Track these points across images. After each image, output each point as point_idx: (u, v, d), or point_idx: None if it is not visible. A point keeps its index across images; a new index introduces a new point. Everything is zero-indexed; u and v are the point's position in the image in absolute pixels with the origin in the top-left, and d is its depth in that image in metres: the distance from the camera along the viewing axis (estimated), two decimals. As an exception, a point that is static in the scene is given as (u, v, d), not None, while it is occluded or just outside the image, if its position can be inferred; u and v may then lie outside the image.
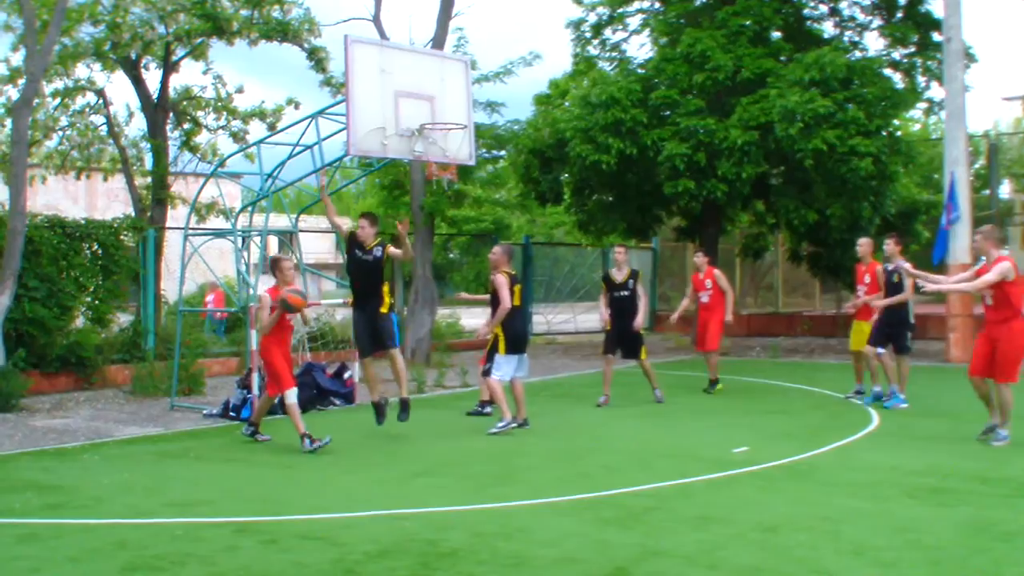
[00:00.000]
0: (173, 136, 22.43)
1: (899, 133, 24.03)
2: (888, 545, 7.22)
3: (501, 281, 12.88)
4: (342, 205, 66.22)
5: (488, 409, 13.89)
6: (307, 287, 17.52)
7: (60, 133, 21.63)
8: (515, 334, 12.95)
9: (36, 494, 9.28)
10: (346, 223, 13.78)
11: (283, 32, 20.37)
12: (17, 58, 20.17)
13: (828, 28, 26.58)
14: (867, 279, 15.02)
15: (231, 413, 14.17)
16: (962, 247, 20.71)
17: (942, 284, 12.07)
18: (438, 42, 21.49)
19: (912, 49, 25.31)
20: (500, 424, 12.78)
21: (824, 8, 26.64)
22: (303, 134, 14.92)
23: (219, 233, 16.69)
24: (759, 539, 7.42)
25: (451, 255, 44.03)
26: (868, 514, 8.13)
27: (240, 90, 22.63)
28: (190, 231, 16.22)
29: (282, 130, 17.68)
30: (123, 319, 19.78)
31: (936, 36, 24.22)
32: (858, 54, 24.81)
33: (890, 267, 14.09)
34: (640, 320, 15.11)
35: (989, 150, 29.94)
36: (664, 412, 14.43)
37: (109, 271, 18.38)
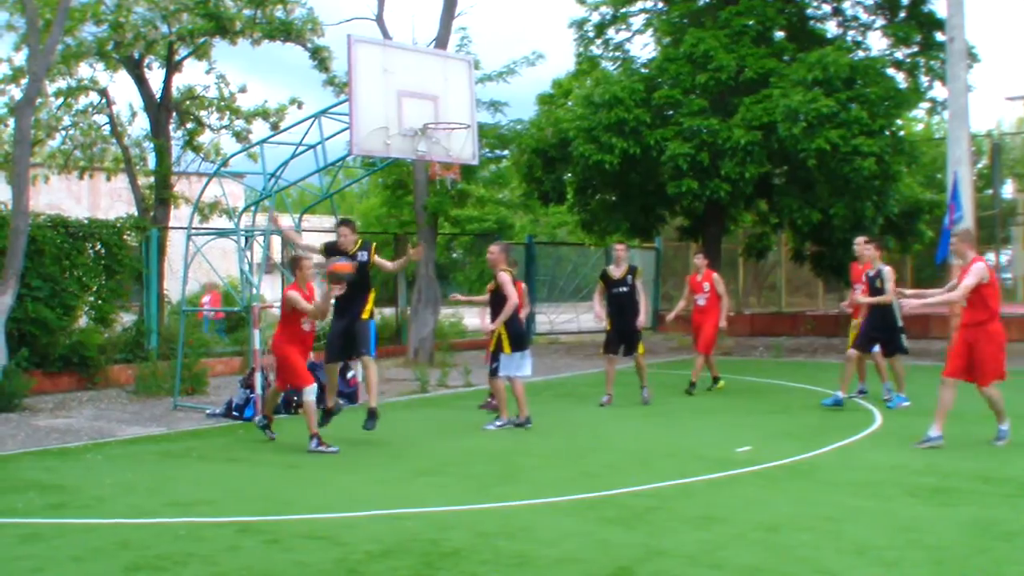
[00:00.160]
0: (176, 136, 22.45)
1: (902, 133, 24.03)
2: (890, 544, 7.22)
3: (505, 278, 12.89)
4: (346, 205, 66.26)
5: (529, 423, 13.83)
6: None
7: (63, 132, 21.65)
8: (517, 331, 13.00)
9: (39, 494, 9.28)
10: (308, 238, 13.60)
11: (286, 32, 20.37)
12: (20, 57, 20.22)
13: (831, 28, 26.61)
14: (865, 278, 15.03)
15: (234, 413, 14.18)
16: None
17: (927, 299, 11.91)
18: (441, 42, 21.50)
19: (915, 49, 25.30)
20: (498, 422, 12.83)
21: (827, 8, 26.66)
22: (306, 134, 14.91)
23: (222, 233, 16.70)
24: (761, 539, 7.42)
25: (454, 255, 44.02)
26: (870, 513, 8.12)
27: (243, 90, 22.64)
28: (193, 231, 16.22)
29: (285, 130, 17.68)
30: (126, 319, 19.79)
31: (939, 36, 24.20)
32: (861, 54, 24.80)
33: (872, 272, 14.13)
34: (643, 318, 15.09)
35: (992, 150, 29.93)
36: (666, 412, 14.43)
37: (112, 271, 18.39)
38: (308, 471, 10.39)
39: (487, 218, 33.38)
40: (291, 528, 7.91)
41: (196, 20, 19.82)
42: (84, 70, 20.97)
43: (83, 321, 18.25)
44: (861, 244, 15.35)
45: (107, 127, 21.73)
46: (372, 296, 12.25)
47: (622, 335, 14.85)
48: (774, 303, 33.26)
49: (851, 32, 26.29)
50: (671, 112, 22.90)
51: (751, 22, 23.26)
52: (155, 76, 21.91)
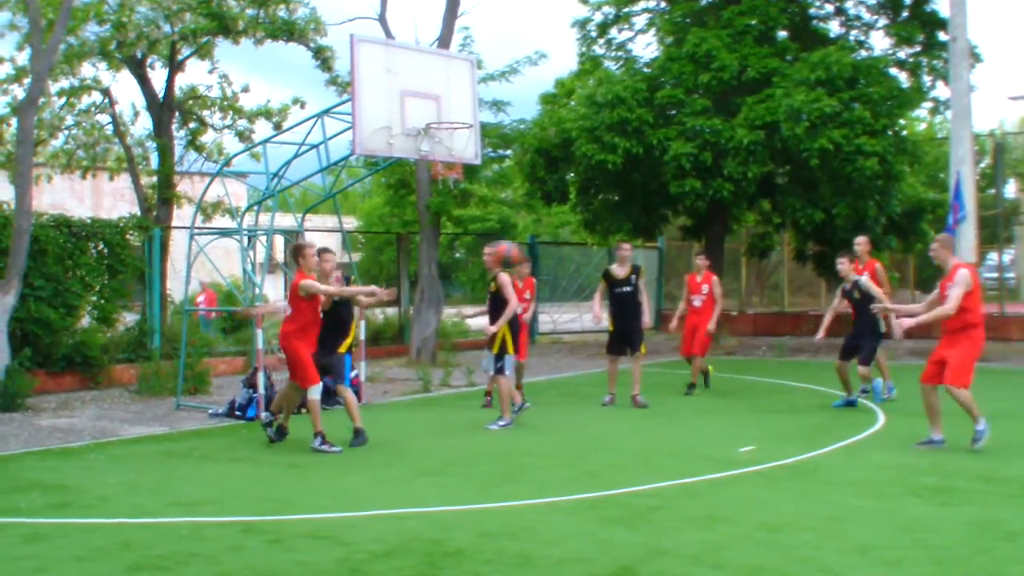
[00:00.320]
0: (179, 135, 22.47)
1: (905, 132, 24.01)
2: (892, 544, 7.22)
3: (506, 280, 12.93)
4: (348, 205, 66.29)
5: (527, 404, 13.84)
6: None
7: (66, 132, 21.68)
8: (518, 332, 13.07)
9: (41, 494, 9.29)
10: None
11: (289, 31, 20.38)
12: (23, 57, 20.23)
13: (834, 27, 26.61)
14: (866, 277, 15.03)
15: (237, 412, 14.18)
16: (967, 247, 20.69)
17: (918, 316, 11.50)
18: (444, 41, 21.50)
19: (918, 48, 25.30)
20: (501, 422, 12.84)
21: (830, 7, 26.66)
22: (309, 133, 14.93)
23: (225, 232, 16.71)
24: (764, 538, 7.42)
25: (456, 254, 44.08)
26: (872, 513, 8.12)
27: (246, 89, 22.66)
28: (196, 230, 16.24)
29: (288, 129, 17.71)
30: (129, 318, 19.80)
31: (942, 35, 24.20)
32: (864, 53, 24.81)
33: (847, 286, 14.11)
34: (648, 319, 15.06)
35: (995, 149, 29.88)
36: (669, 411, 14.43)
37: (115, 270, 18.40)
38: (311, 471, 10.39)
39: (490, 218, 33.44)
40: (294, 528, 7.91)
41: (199, 20, 19.83)
42: (87, 70, 21.02)
43: (86, 321, 18.26)
44: (860, 244, 15.40)
45: (110, 127, 21.76)
46: (353, 326, 12.65)
47: (625, 335, 14.79)
48: (777, 303, 33.23)
49: (854, 32, 26.29)
50: (674, 112, 22.90)
51: (754, 22, 23.26)
52: (158, 76, 21.96)
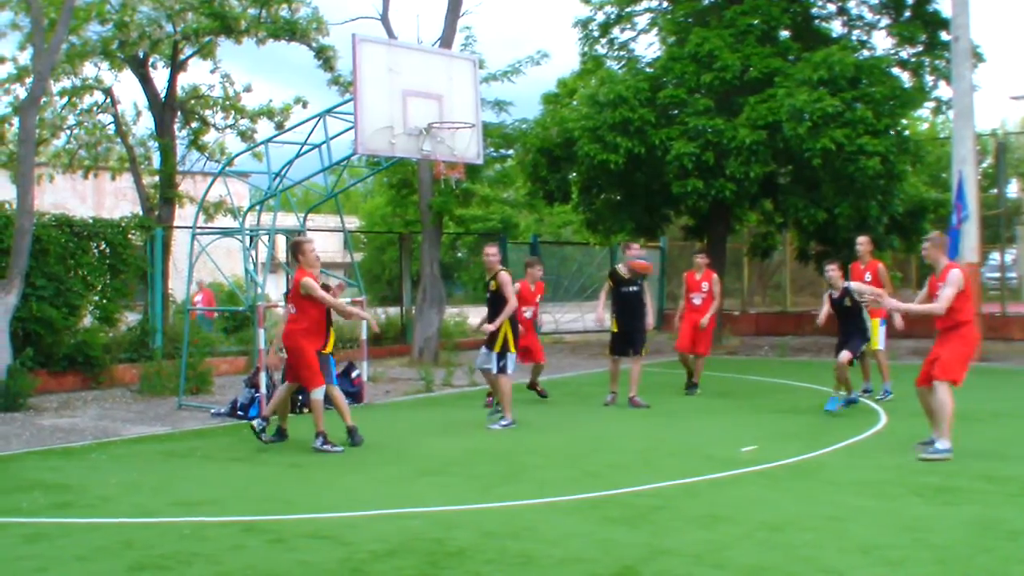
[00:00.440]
0: (181, 135, 22.50)
1: (907, 132, 23.98)
2: (895, 544, 7.21)
3: (507, 279, 12.97)
4: (350, 204, 66.31)
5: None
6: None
7: (68, 132, 21.70)
8: (517, 332, 13.10)
9: (43, 493, 9.29)
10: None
11: (291, 31, 20.39)
12: (24, 57, 20.25)
13: (836, 27, 26.55)
14: (868, 277, 15.02)
15: (239, 412, 14.19)
16: (970, 247, 20.72)
17: (910, 307, 11.39)
18: (446, 41, 21.51)
19: (920, 48, 25.25)
20: (503, 422, 12.87)
21: (832, 7, 26.62)
22: (311, 133, 14.94)
23: (227, 232, 16.71)
24: (766, 538, 7.41)
25: (459, 254, 44.07)
26: (874, 513, 8.11)
27: (248, 89, 22.68)
28: (198, 230, 16.24)
29: (290, 129, 17.72)
30: (131, 318, 19.81)
31: (944, 35, 24.15)
32: (866, 53, 24.77)
33: (835, 293, 13.89)
34: (651, 320, 15.03)
35: (997, 149, 29.86)
36: (671, 411, 14.42)
37: (117, 270, 18.41)
38: (312, 471, 10.39)
39: (492, 217, 33.45)
40: (295, 527, 7.91)
41: (201, 19, 19.85)
42: (89, 69, 21.04)
43: (88, 320, 18.28)
44: (862, 244, 15.39)
45: (112, 126, 21.78)
46: (332, 331, 12.63)
47: (628, 336, 14.75)
48: (779, 302, 33.20)
49: (856, 31, 26.24)
50: (676, 111, 22.87)
51: (756, 21, 23.23)
52: (160, 75, 21.97)
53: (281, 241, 19.08)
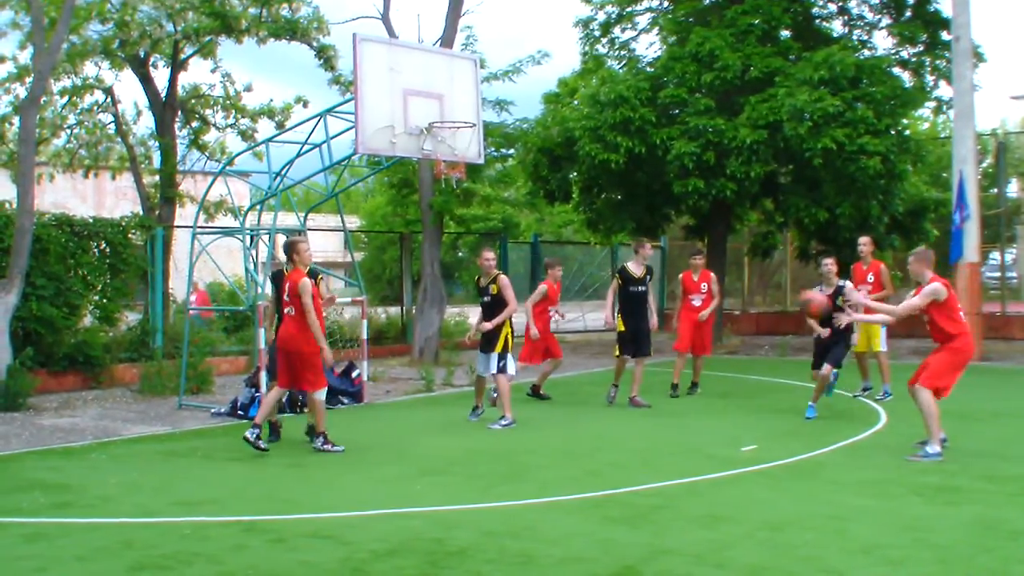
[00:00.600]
0: (181, 134, 22.49)
1: (908, 132, 23.97)
2: (895, 543, 7.21)
3: (507, 282, 13.17)
4: (351, 204, 66.30)
5: (481, 410, 13.87)
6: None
7: (68, 131, 21.68)
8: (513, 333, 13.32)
9: (43, 493, 9.29)
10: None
11: (292, 30, 20.37)
12: (25, 56, 20.23)
13: (837, 27, 26.55)
14: (870, 278, 14.99)
15: (239, 412, 14.18)
16: (971, 246, 20.75)
17: (880, 312, 11.36)
18: (447, 40, 21.50)
19: (921, 48, 25.25)
20: (503, 422, 12.93)
21: (833, 7, 26.62)
22: (312, 132, 14.93)
23: (227, 232, 16.70)
24: (766, 538, 7.41)
25: (459, 254, 44.04)
26: (875, 513, 8.11)
27: (248, 88, 22.67)
28: (198, 230, 16.23)
29: (290, 128, 17.70)
30: (131, 318, 19.80)
31: (945, 35, 24.16)
32: (867, 53, 24.79)
33: (827, 289, 13.34)
34: (655, 321, 15.03)
35: (997, 149, 29.85)
36: (671, 411, 14.41)
37: (117, 270, 18.40)
38: (313, 470, 10.39)
39: (492, 217, 33.39)
40: (296, 527, 7.91)
41: (202, 18, 19.82)
42: (89, 68, 21.00)
43: (88, 320, 18.27)
44: (864, 244, 15.36)
45: (112, 126, 21.76)
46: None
47: (637, 336, 14.68)
48: (779, 302, 33.18)
49: (857, 31, 26.25)
50: (677, 111, 22.88)
51: (757, 21, 23.22)
52: (160, 75, 21.98)
53: (282, 241, 19.08)
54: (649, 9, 27.36)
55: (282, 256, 12.46)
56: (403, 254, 26.73)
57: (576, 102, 26.23)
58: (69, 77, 20.71)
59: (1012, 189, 40.24)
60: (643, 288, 14.66)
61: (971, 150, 21.21)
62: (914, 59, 25.45)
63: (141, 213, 20.49)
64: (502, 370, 13.11)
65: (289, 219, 18.64)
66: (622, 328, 14.73)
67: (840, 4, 26.43)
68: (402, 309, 25.75)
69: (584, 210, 26.04)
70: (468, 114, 15.10)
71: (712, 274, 16.15)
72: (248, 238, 15.47)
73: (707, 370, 16.62)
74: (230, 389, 16.72)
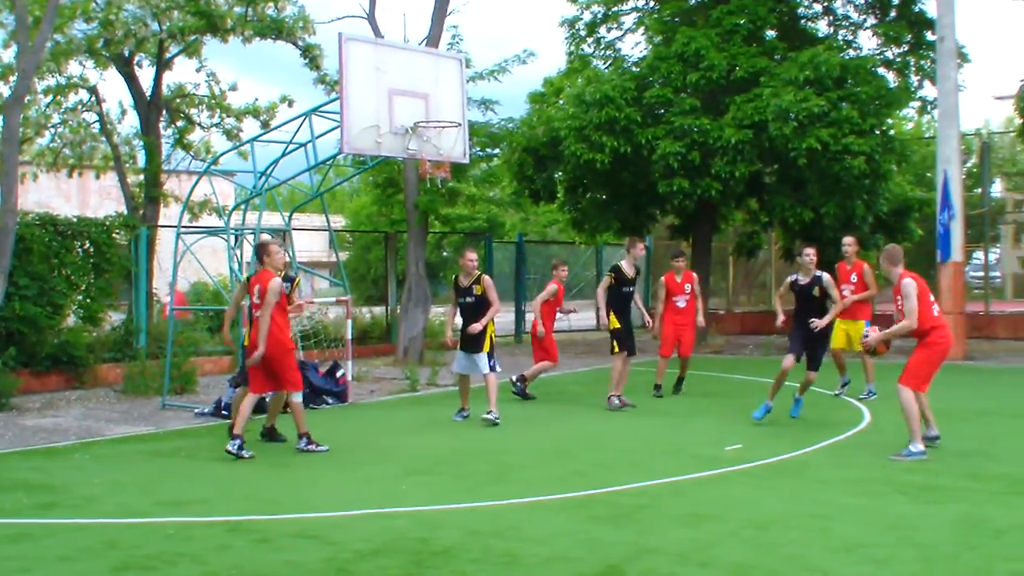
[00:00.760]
0: (166, 134, 22.45)
1: (892, 132, 24.05)
2: (879, 542, 7.23)
3: (491, 282, 13.31)
4: (336, 204, 66.22)
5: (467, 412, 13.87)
6: (301, 286, 17.50)
7: (52, 130, 21.63)
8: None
9: (26, 494, 9.25)
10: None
11: (277, 30, 20.36)
12: (9, 55, 20.18)
13: (822, 27, 26.63)
14: (853, 278, 15.04)
15: (223, 412, 14.12)
16: (956, 246, 20.84)
17: (890, 332, 11.06)
18: (433, 40, 21.48)
19: (905, 48, 25.34)
20: (492, 415, 12.97)
21: (818, 7, 26.68)
22: (297, 132, 14.91)
23: (212, 231, 16.67)
24: (751, 536, 7.42)
25: (444, 253, 44.01)
26: (859, 511, 8.13)
27: (234, 87, 22.66)
28: (183, 229, 16.19)
29: (276, 128, 17.70)
30: (115, 318, 19.74)
31: (929, 35, 24.25)
32: (852, 53, 24.86)
33: (803, 279, 13.14)
34: (648, 318, 15.13)
35: (981, 149, 29.98)
36: (656, 410, 14.42)
37: (101, 269, 18.33)
38: (298, 470, 10.38)
39: (477, 216, 33.44)
40: (281, 527, 7.90)
41: (187, 17, 19.80)
42: (74, 67, 20.98)
43: (71, 320, 18.20)
44: (849, 244, 15.39)
45: (97, 125, 21.71)
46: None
47: (630, 334, 14.63)
48: (764, 301, 33.22)
49: (842, 31, 26.31)
50: (662, 111, 22.90)
51: (742, 21, 23.26)
52: (145, 74, 21.91)
53: (266, 237, 19.06)
54: (635, 9, 27.39)
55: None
56: (388, 254, 26.72)
57: (562, 102, 26.26)
58: (53, 76, 20.66)
59: (996, 189, 40.48)
60: (633, 288, 14.64)
61: (955, 150, 21.29)
62: (899, 59, 25.54)
63: (125, 212, 20.44)
64: (492, 368, 13.25)
65: (274, 219, 18.62)
66: (617, 325, 14.49)
67: (825, 4, 26.49)
68: (387, 309, 25.74)
69: (569, 210, 26.07)
70: (453, 114, 15.10)
71: (694, 275, 16.16)
72: (233, 238, 15.45)
73: (692, 369, 16.61)
74: (214, 389, 16.69)
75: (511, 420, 13.24)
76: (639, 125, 22.16)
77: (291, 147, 14.97)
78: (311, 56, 21.06)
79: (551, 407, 14.95)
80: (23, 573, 6.80)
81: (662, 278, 16.10)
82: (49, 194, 35.24)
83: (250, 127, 22.68)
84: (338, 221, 54.83)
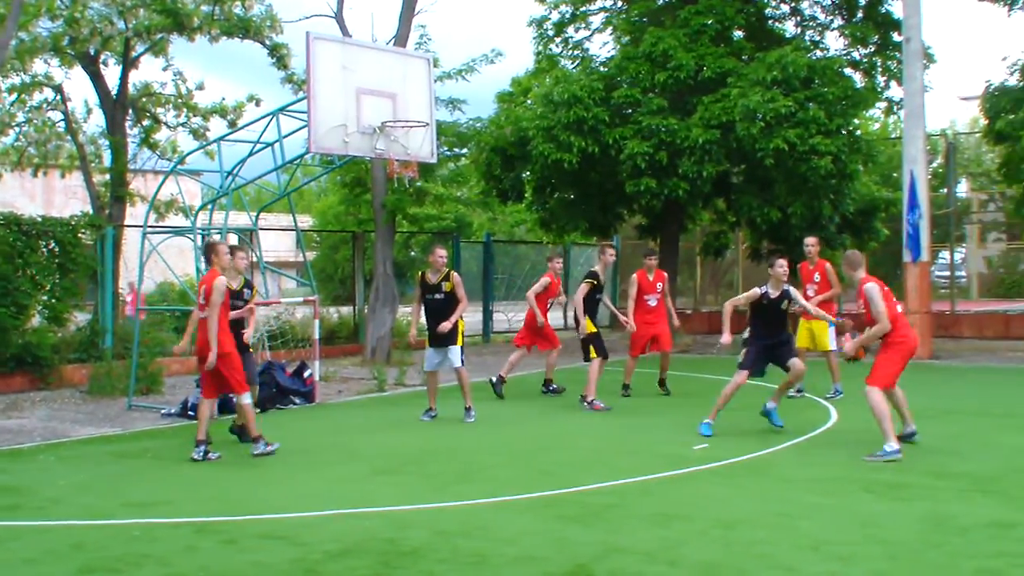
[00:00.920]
0: (132, 133, 22.27)
1: (859, 132, 24.22)
2: (846, 540, 7.27)
3: (459, 279, 13.36)
4: (303, 203, 65.98)
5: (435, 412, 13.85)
6: (267, 285, 17.44)
7: (17, 129, 21.40)
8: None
9: (-9, 495, 9.19)
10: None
11: (244, 28, 20.24)
12: (-28, 53, 19.95)
13: (789, 28, 26.79)
14: (816, 277, 15.13)
15: (189, 412, 14.04)
16: (922, 245, 20.99)
17: (867, 337, 11.12)
18: (400, 39, 21.46)
19: (872, 49, 25.53)
20: (472, 415, 13.07)
21: (785, 8, 26.83)
22: (264, 131, 14.87)
23: (179, 231, 16.59)
24: (719, 535, 7.45)
25: (412, 253, 43.92)
26: (826, 509, 8.18)
27: (200, 87, 22.51)
28: (149, 229, 16.09)
29: (243, 127, 17.60)
30: (80, 318, 19.60)
31: (896, 36, 24.44)
32: (819, 53, 25.00)
33: (773, 292, 12.52)
34: (623, 319, 15.26)
35: (947, 149, 30.24)
36: (624, 410, 14.44)
37: (66, 269, 18.20)
38: (265, 470, 10.34)
39: (445, 216, 33.31)
40: (248, 528, 7.87)
41: (153, 16, 19.64)
42: (39, 66, 20.73)
43: (36, 320, 18.07)
44: (812, 245, 15.46)
45: (62, 124, 21.52)
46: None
47: (601, 337, 14.69)
48: (731, 301, 33.42)
49: (809, 32, 26.48)
50: (630, 111, 22.96)
51: (710, 21, 23.36)
52: (111, 72, 21.72)
53: (233, 240, 18.97)
54: (603, 9, 27.45)
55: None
56: (355, 253, 26.63)
57: (530, 101, 26.29)
58: (18, 74, 20.45)
59: (961, 189, 40.78)
60: (602, 292, 14.81)
61: (921, 150, 21.45)
62: (865, 60, 25.73)
63: (91, 212, 20.27)
64: (462, 363, 13.35)
65: (241, 218, 18.55)
66: (593, 329, 14.53)
67: (792, 5, 26.65)
68: (354, 309, 25.66)
69: (537, 209, 26.09)
70: (421, 113, 15.10)
71: (665, 273, 16.21)
72: (199, 237, 15.37)
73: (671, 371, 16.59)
74: (180, 390, 16.60)
75: (479, 419, 13.27)
76: (607, 125, 22.21)
77: (258, 146, 14.93)
78: (278, 55, 20.97)
79: (519, 407, 14.95)
80: (-13, 576, 6.76)
81: (633, 276, 15.89)
82: (14, 193, 34.95)
83: (217, 126, 22.57)
84: (305, 221, 54.65)
